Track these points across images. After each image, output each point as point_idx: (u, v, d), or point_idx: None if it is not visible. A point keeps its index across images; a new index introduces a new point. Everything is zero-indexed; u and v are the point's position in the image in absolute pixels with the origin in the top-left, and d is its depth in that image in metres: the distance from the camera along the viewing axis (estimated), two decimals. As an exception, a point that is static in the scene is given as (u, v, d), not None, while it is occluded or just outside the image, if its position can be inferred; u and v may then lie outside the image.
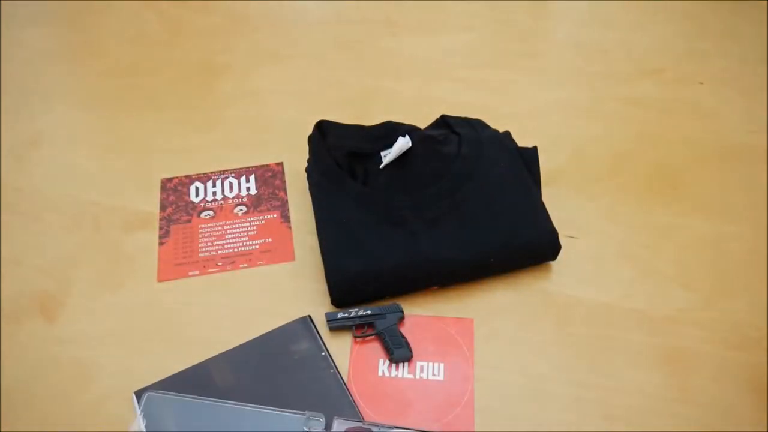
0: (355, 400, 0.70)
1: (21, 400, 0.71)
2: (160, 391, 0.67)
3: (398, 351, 0.73)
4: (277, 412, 0.66)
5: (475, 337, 0.75)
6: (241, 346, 0.74)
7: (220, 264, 0.82)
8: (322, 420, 0.67)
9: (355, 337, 0.75)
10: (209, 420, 0.66)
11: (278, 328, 0.75)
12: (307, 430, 0.66)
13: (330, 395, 0.70)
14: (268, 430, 0.65)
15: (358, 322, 0.75)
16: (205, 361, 0.73)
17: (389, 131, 0.85)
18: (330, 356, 0.73)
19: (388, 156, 0.82)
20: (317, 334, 0.75)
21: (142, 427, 0.63)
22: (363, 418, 0.68)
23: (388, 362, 0.74)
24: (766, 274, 0.80)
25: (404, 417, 0.69)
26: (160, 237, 0.85)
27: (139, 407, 0.65)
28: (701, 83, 1.02)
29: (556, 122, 0.97)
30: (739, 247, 0.82)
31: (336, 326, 0.75)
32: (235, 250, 0.84)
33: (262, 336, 0.75)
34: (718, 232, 0.84)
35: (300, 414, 0.67)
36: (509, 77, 1.04)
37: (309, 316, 0.76)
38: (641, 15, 1.14)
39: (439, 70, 1.06)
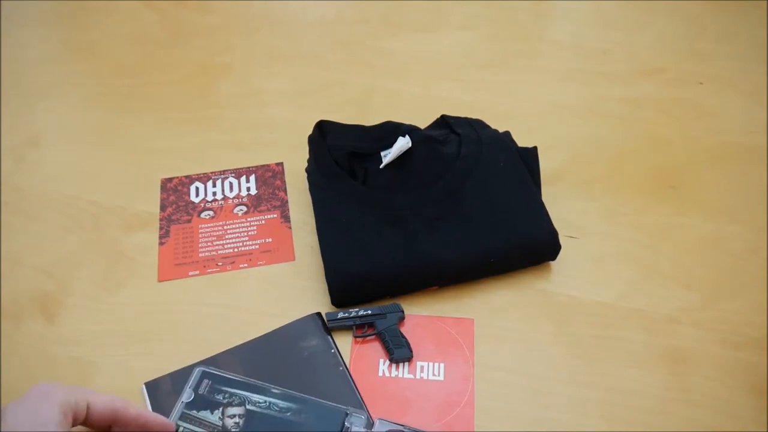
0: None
1: (21, 400, 0.71)
2: (212, 368, 0.69)
3: (398, 351, 0.73)
4: (317, 401, 0.67)
5: (475, 337, 0.75)
6: (251, 341, 0.74)
7: (220, 264, 0.82)
8: (364, 417, 0.67)
9: (355, 337, 0.75)
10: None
11: (288, 324, 0.76)
12: (348, 425, 0.66)
13: (340, 393, 0.70)
14: (309, 416, 0.66)
15: (358, 322, 0.75)
16: (214, 355, 0.73)
17: (389, 131, 0.85)
18: (339, 353, 0.73)
19: (388, 156, 0.82)
20: (327, 331, 0.75)
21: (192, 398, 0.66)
22: (371, 418, 0.68)
23: (388, 362, 0.74)
24: (766, 274, 0.80)
25: (404, 417, 0.69)
26: (160, 237, 0.85)
27: (189, 382, 0.67)
28: (701, 83, 1.02)
29: (556, 122, 0.97)
30: (739, 247, 0.83)
31: (336, 326, 0.75)
32: (235, 250, 0.84)
33: (273, 332, 0.75)
34: (718, 232, 0.84)
35: (341, 407, 0.67)
36: (509, 77, 1.04)
37: (318, 313, 0.76)
38: (641, 15, 1.14)
39: (439, 70, 1.06)
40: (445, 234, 0.78)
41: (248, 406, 0.66)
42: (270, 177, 0.92)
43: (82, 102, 1.03)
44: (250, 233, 0.86)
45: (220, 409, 0.65)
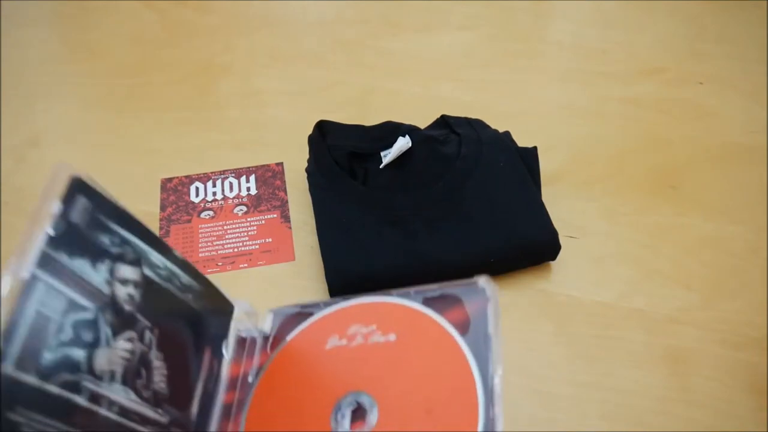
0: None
1: (21, 400, 0.71)
2: (92, 181, 0.47)
3: (398, 351, 0.73)
4: (216, 287, 0.53)
5: (475, 337, 0.75)
6: None
7: (220, 264, 0.82)
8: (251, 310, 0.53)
9: (355, 337, 0.75)
10: None
11: None
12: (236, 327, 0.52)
13: None
14: (206, 305, 0.51)
15: (358, 322, 0.75)
16: None
17: (389, 131, 0.85)
18: None
19: (388, 156, 0.82)
20: None
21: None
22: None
23: (388, 362, 0.74)
24: (766, 274, 0.80)
25: (404, 417, 0.69)
26: (161, 237, 0.85)
27: (55, 189, 0.40)
28: (701, 83, 1.02)
29: (556, 122, 0.97)
30: (739, 247, 0.82)
31: (336, 326, 0.75)
32: (235, 250, 0.84)
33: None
34: (718, 232, 0.84)
35: (230, 300, 0.54)
36: (509, 77, 1.04)
37: None
38: (641, 15, 1.14)
39: (439, 70, 1.06)
40: (445, 234, 0.78)
41: (146, 270, 0.43)
42: (270, 177, 0.92)
43: (82, 102, 1.03)
44: (250, 233, 0.86)
45: (107, 263, 0.40)
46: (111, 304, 0.39)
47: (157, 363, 0.42)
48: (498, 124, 0.87)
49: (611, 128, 0.96)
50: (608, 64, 1.06)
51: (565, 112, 0.99)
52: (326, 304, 0.50)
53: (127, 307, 0.40)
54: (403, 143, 0.81)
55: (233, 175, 0.92)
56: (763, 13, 1.13)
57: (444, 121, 0.87)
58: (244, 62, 1.08)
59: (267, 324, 0.52)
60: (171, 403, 0.43)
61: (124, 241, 0.41)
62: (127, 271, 0.41)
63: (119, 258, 0.41)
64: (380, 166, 0.83)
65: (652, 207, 0.87)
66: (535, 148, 0.85)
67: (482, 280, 0.47)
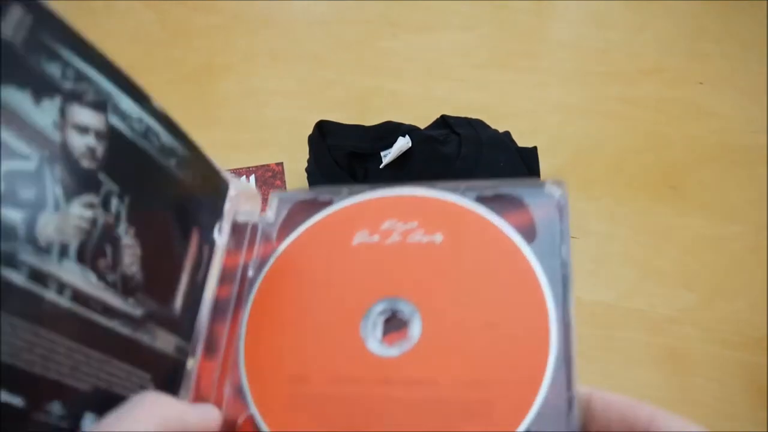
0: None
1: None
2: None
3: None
4: (205, 156, 0.45)
5: (475, 337, 0.75)
6: None
7: (220, 264, 0.82)
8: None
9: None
10: None
11: None
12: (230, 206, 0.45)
13: None
14: (193, 173, 0.44)
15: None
16: None
17: (389, 131, 0.85)
18: None
19: (388, 156, 0.82)
20: None
21: None
22: None
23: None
24: (766, 274, 0.80)
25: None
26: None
27: None
28: (701, 83, 1.02)
29: (556, 122, 0.97)
30: (740, 247, 0.83)
31: (336, 326, 0.75)
32: (235, 250, 0.84)
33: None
34: (718, 232, 0.84)
35: (225, 177, 0.48)
36: (509, 77, 1.04)
37: None
38: (641, 15, 1.14)
39: (439, 70, 1.06)
40: (445, 234, 0.77)
41: (113, 119, 0.32)
42: (270, 177, 0.92)
43: (82, 102, 1.03)
44: (250, 233, 0.86)
45: (56, 101, 0.28)
46: (62, 155, 0.28)
47: (128, 240, 0.31)
48: (498, 124, 0.87)
49: (611, 128, 0.96)
50: (608, 64, 1.06)
51: (565, 112, 0.99)
52: (351, 192, 0.41)
53: (87, 164, 0.29)
54: (403, 143, 0.81)
55: (233, 175, 0.92)
56: (763, 13, 1.13)
57: (444, 121, 0.87)
58: (244, 62, 1.08)
59: (271, 210, 0.43)
60: (147, 293, 0.33)
61: (82, 76, 0.29)
62: (85, 116, 0.30)
63: (74, 96, 0.29)
64: (380, 166, 0.83)
65: (652, 207, 0.87)
66: (535, 148, 0.85)
67: (550, 182, 0.38)
